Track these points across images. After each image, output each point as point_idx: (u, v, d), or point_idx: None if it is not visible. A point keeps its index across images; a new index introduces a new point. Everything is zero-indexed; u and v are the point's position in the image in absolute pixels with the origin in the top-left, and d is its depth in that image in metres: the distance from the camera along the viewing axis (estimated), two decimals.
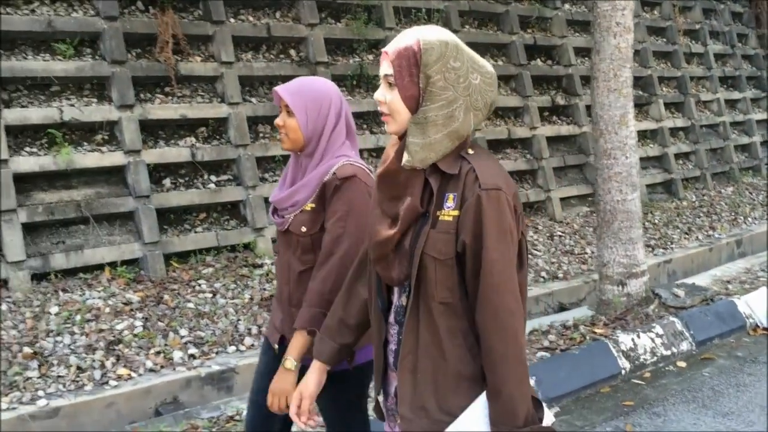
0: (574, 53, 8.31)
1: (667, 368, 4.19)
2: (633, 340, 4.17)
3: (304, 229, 2.14)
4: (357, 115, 6.25)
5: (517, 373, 1.57)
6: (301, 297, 2.15)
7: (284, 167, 2.20)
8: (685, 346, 4.37)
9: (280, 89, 2.16)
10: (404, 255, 1.65)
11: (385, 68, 1.64)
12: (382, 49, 1.66)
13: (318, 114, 2.13)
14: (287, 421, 2.31)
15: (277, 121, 2.19)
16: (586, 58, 8.66)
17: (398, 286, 1.71)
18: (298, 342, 2.08)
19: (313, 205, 2.13)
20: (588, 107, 8.30)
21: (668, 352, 4.27)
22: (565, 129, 7.97)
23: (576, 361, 3.87)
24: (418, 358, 1.65)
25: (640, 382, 4.00)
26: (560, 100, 8.04)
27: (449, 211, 1.59)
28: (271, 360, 2.29)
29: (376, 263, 1.71)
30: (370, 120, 6.51)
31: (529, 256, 6.56)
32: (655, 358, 4.19)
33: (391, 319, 1.74)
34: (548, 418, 1.68)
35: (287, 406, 2.06)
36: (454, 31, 7.22)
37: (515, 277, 1.59)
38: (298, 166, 2.20)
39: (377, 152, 6.35)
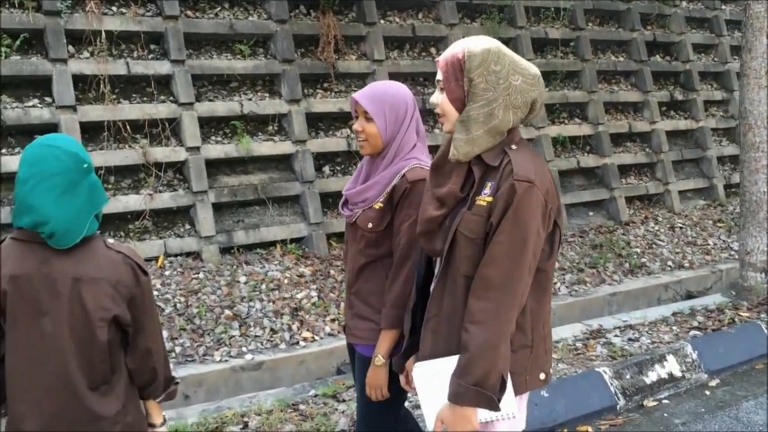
0: (692, 49, 8.44)
1: None
2: None
3: (370, 225, 2.22)
4: None
5: (485, 339, 1.71)
6: (361, 286, 2.29)
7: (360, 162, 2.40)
8: None
9: (358, 97, 2.20)
10: (445, 231, 1.86)
11: (438, 75, 1.88)
12: (436, 59, 1.94)
13: (396, 118, 2.19)
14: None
15: (356, 127, 2.22)
16: (703, 54, 8.77)
17: (438, 258, 1.92)
18: (385, 340, 2.20)
19: (382, 205, 2.20)
20: (706, 102, 8.44)
21: None
22: (683, 124, 8.13)
23: (732, 340, 4.17)
24: (440, 322, 1.86)
25: None
26: (678, 96, 8.20)
27: (485, 197, 1.79)
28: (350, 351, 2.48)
29: (421, 236, 1.94)
30: None
31: (653, 245, 6.82)
32: None
33: (432, 287, 1.95)
34: (509, 405, 1.78)
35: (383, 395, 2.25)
36: (579, 29, 7.52)
37: (518, 260, 1.72)
38: (372, 164, 2.28)
39: None
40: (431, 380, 1.82)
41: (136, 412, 1.93)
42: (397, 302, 2.17)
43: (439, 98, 1.88)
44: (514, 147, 1.82)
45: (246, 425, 3.39)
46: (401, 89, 2.24)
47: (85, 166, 1.82)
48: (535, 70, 1.87)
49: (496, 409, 1.75)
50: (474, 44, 1.84)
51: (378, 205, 2.20)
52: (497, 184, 1.77)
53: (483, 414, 1.78)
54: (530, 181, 1.73)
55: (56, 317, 1.77)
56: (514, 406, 1.81)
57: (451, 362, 1.79)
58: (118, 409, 1.85)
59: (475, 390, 1.72)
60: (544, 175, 1.80)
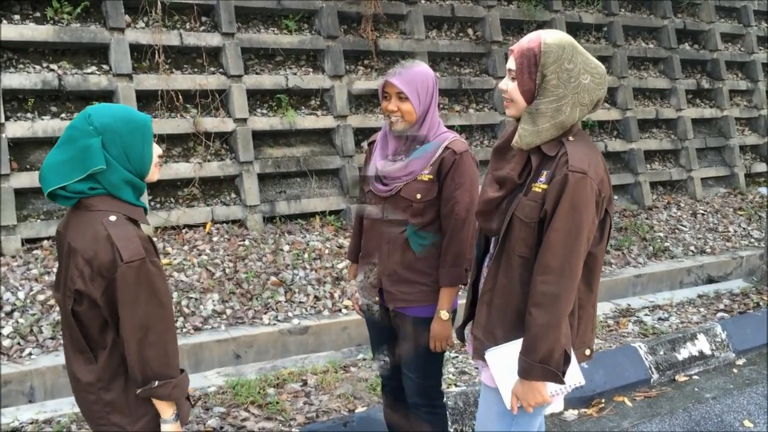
0: (720, 38, 8.54)
1: None
2: None
3: (419, 196, 2.40)
4: None
5: (547, 320, 1.85)
6: (406, 254, 2.44)
7: (377, 140, 2.57)
8: None
9: (394, 80, 2.38)
10: (502, 213, 2.00)
11: (510, 63, 1.98)
12: (510, 47, 2.04)
13: (426, 95, 2.40)
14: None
15: (391, 107, 2.40)
16: (730, 44, 8.86)
17: (494, 237, 2.06)
18: (447, 297, 2.42)
19: (431, 177, 2.39)
20: (731, 91, 8.56)
21: None
22: (708, 112, 8.26)
23: (758, 322, 4.38)
24: (494, 295, 2.01)
25: None
26: (705, 84, 8.32)
27: (541, 184, 1.92)
28: (378, 314, 2.60)
29: (478, 216, 2.08)
30: None
31: (676, 230, 7.01)
32: None
33: (486, 263, 2.11)
34: (574, 376, 1.93)
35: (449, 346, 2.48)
36: (612, 14, 7.63)
37: (574, 246, 1.85)
38: (399, 141, 2.45)
39: None
40: (504, 362, 1.98)
41: (122, 394, 1.85)
42: (457, 261, 2.38)
43: (509, 86, 1.99)
44: (571, 138, 1.94)
45: (305, 383, 3.62)
46: (425, 67, 2.45)
47: (92, 128, 1.79)
48: (602, 69, 1.97)
49: (561, 382, 1.91)
50: (550, 39, 1.93)
51: (427, 177, 2.39)
52: (552, 173, 1.90)
53: (552, 387, 1.94)
54: (583, 172, 1.85)
55: (64, 276, 1.87)
56: (580, 376, 1.98)
57: (518, 345, 1.95)
58: (92, 381, 1.85)
59: (541, 366, 1.87)
60: (598, 165, 1.91)
